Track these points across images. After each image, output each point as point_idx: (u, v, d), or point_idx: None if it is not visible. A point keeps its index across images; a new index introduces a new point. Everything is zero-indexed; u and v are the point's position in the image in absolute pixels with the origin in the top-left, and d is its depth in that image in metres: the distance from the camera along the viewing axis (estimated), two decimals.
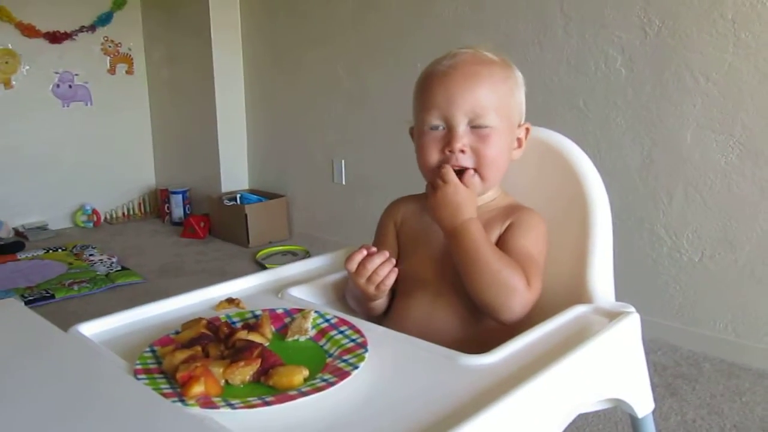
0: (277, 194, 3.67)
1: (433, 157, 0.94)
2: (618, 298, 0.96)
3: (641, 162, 2.16)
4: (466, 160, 0.92)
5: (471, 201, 0.91)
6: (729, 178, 1.98)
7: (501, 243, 0.92)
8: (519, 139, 0.99)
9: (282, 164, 3.70)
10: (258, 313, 0.83)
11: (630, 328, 0.84)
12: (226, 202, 3.62)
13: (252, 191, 3.81)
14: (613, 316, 0.84)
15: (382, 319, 0.99)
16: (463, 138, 0.91)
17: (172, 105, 4.15)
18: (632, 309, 0.85)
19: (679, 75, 2.04)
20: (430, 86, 0.93)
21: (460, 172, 0.92)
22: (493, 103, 0.91)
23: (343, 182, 3.30)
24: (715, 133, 1.99)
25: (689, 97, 2.03)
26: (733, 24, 1.91)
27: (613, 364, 0.82)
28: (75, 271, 3.05)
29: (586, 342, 0.75)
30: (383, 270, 0.89)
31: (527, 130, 0.99)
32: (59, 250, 3.42)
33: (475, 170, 0.93)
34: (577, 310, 0.86)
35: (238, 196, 3.68)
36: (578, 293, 0.92)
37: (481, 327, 0.92)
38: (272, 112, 3.70)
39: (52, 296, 2.69)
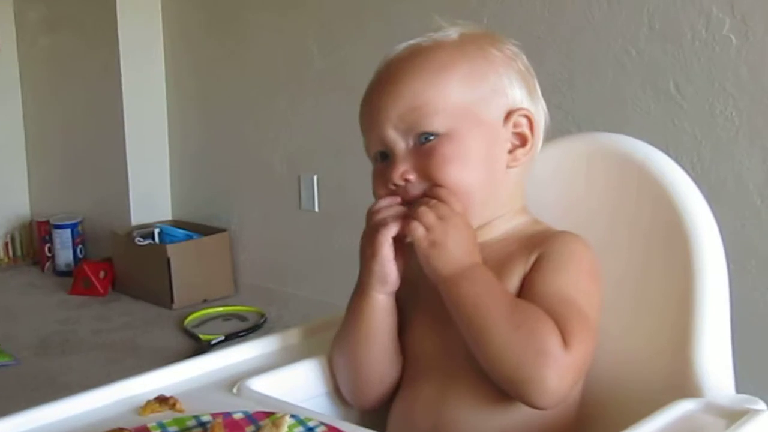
0: (216, 228, 3.69)
1: (381, 195, 0.98)
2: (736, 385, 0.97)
3: (764, 176, 2.17)
4: (417, 190, 0.95)
5: (464, 241, 0.91)
6: None
7: (526, 287, 0.93)
8: (519, 135, 0.99)
9: (223, 183, 3.72)
10: (205, 419, 0.84)
11: None
12: (139, 241, 3.62)
13: (177, 223, 3.82)
14: (734, 416, 0.85)
15: (382, 416, 1.01)
16: (403, 162, 0.95)
17: (56, 96, 4.18)
18: (762, 405, 0.87)
19: None
20: (361, 106, 1.01)
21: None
22: (433, 100, 0.94)
23: (316, 208, 3.32)
24: None
25: None
26: None
27: None
28: None
29: None
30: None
31: (528, 118, 0.99)
32: None
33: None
34: (681, 408, 0.87)
35: (157, 231, 3.69)
36: (681, 381, 0.93)
37: (516, 420, 0.92)
38: (208, 106, 3.72)
39: None
